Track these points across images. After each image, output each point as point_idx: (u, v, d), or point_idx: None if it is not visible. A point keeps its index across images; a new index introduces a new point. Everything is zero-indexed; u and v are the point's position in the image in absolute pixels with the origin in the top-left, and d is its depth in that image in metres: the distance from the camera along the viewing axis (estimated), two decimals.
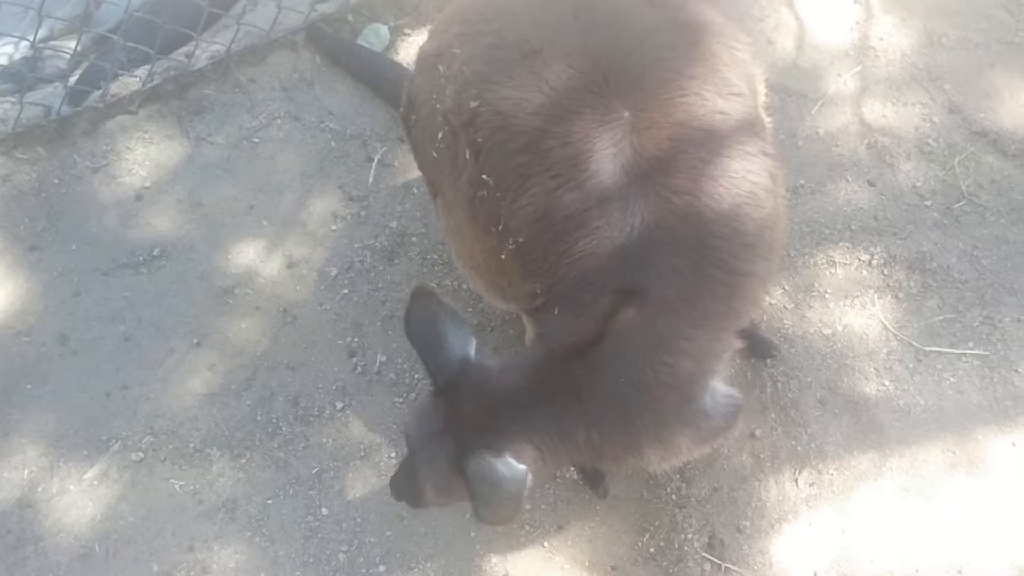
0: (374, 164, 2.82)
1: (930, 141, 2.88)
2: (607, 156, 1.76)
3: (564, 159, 1.77)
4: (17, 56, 2.70)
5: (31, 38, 2.63)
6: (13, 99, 2.68)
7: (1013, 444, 2.40)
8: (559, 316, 1.85)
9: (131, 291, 2.60)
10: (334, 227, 2.74)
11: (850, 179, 2.82)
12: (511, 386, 1.88)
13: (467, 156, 1.88)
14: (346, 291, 2.63)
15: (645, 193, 1.76)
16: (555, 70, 1.80)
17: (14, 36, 2.57)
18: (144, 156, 2.80)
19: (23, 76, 2.69)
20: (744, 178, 1.83)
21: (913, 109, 2.94)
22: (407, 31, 3.04)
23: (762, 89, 2.09)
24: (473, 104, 1.85)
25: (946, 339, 2.55)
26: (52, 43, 2.76)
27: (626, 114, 1.77)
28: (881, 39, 3.08)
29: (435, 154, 2.01)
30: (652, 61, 1.82)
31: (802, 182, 2.79)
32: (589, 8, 1.88)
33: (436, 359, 1.88)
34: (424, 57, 2.11)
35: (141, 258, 2.65)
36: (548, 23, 1.87)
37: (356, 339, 2.55)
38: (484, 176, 1.86)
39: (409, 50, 3.00)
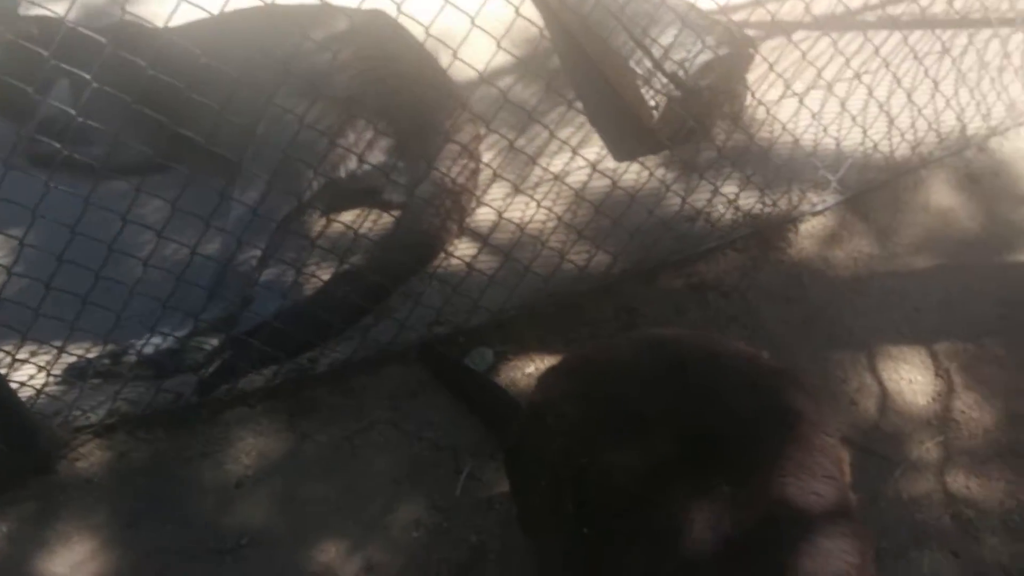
0: (462, 477, 2.93)
1: (1015, 518, 2.87)
2: (707, 528, 1.84)
3: (666, 528, 1.86)
4: (164, 347, 3.00)
5: (179, 334, 2.98)
6: (150, 384, 2.95)
7: None
8: None
9: None
10: (415, 534, 2.80)
11: (934, 548, 2.80)
12: None
13: (570, 509, 1.98)
14: None
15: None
16: (662, 439, 1.95)
17: (166, 333, 2.88)
18: (252, 446, 2.98)
19: (165, 365, 2.98)
20: (838, 557, 1.88)
21: (997, 484, 2.97)
22: (509, 356, 3.28)
23: (848, 470, 2.19)
24: (581, 461, 1.98)
25: None
26: (196, 339, 3.06)
27: (726, 489, 1.88)
28: (963, 412, 3.19)
29: (538, 499, 2.12)
30: (753, 441, 1.96)
31: (884, 545, 2.78)
32: (698, 388, 2.06)
33: None
34: (533, 406, 2.29)
35: (228, 545, 2.73)
36: (659, 395, 2.05)
37: None
38: (586, 531, 1.95)
39: (509, 373, 3.22)
